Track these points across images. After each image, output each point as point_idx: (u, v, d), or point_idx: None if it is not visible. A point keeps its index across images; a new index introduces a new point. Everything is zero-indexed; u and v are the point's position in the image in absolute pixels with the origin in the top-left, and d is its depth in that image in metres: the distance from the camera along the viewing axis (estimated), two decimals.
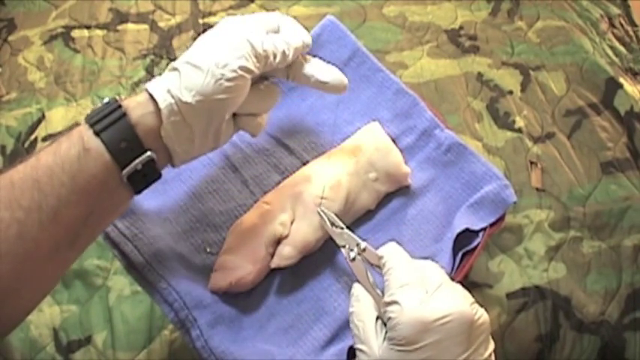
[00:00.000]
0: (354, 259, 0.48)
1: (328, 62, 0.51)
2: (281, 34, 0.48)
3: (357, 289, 0.47)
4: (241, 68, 0.43)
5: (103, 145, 0.40)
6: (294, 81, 0.50)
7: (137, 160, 0.41)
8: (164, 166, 0.45)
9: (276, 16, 0.49)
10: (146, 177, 0.43)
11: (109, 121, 0.41)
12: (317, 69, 0.50)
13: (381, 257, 0.46)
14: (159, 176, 0.44)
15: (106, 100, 0.42)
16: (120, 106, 0.41)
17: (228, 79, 0.42)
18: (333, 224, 0.51)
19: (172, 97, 0.42)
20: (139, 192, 0.44)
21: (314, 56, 0.51)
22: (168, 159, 0.45)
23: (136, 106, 0.42)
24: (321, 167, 0.55)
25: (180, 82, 0.42)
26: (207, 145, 0.46)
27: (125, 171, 0.41)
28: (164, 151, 0.43)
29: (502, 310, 0.64)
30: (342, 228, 0.50)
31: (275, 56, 0.46)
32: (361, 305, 0.45)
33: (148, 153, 0.42)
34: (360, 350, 0.43)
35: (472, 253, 0.54)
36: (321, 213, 0.51)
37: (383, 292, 0.45)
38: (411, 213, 0.57)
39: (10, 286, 0.39)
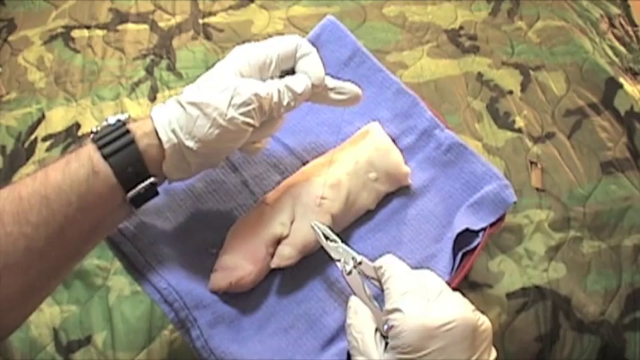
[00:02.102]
0: (350, 272, 0.48)
1: (328, 63, 0.51)
2: (293, 77, 0.48)
3: (354, 301, 0.47)
4: (244, 123, 0.44)
5: (111, 169, 0.42)
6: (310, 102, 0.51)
7: (142, 185, 0.44)
8: (161, 185, 0.47)
9: (295, 43, 0.48)
10: (146, 197, 0.45)
11: (118, 146, 0.43)
12: (333, 92, 0.50)
13: (379, 267, 0.46)
14: (156, 195, 0.46)
15: (112, 120, 0.44)
16: (128, 131, 0.43)
17: (231, 132, 0.44)
18: (327, 238, 0.50)
19: (176, 137, 0.44)
20: (137, 208, 0.46)
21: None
22: (165, 180, 0.47)
23: (142, 135, 0.44)
24: (321, 167, 0.55)
25: (185, 124, 0.44)
26: (202, 170, 0.49)
27: (130, 194, 0.43)
28: (162, 176, 0.46)
29: (502, 310, 0.64)
30: (336, 241, 0.50)
31: (280, 109, 0.47)
32: (359, 317, 0.45)
33: (152, 179, 0.44)
34: None
35: (472, 253, 0.54)
36: (315, 227, 0.50)
37: (380, 305, 0.45)
38: (411, 213, 0.57)
39: (16, 296, 0.41)
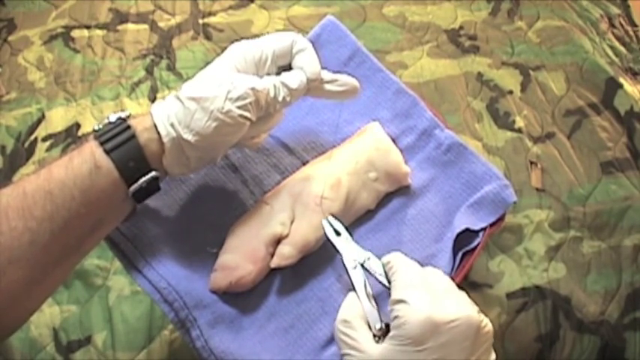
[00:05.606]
0: (354, 267, 0.48)
1: (328, 63, 0.51)
2: (288, 73, 0.48)
3: (349, 297, 0.47)
4: (241, 117, 0.45)
5: (113, 164, 0.43)
6: (308, 96, 0.51)
7: (143, 179, 0.45)
8: (162, 180, 0.48)
9: (291, 39, 0.48)
10: (148, 191, 0.46)
11: (119, 141, 0.43)
12: (329, 86, 0.50)
13: (387, 262, 0.47)
14: (158, 189, 0.47)
15: (113, 117, 0.45)
16: (129, 127, 0.44)
17: (228, 125, 0.45)
18: (338, 233, 0.51)
19: (175, 131, 0.44)
20: (140, 202, 0.47)
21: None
22: (166, 175, 0.48)
23: (143, 130, 0.45)
24: (321, 167, 0.55)
25: (183, 118, 0.44)
26: (203, 166, 0.49)
27: (132, 188, 0.44)
28: (163, 170, 0.47)
29: (502, 310, 0.64)
30: (347, 238, 0.50)
31: (275, 105, 0.47)
32: (351, 312, 0.46)
33: (153, 173, 0.45)
34: (348, 355, 0.44)
35: (472, 253, 0.54)
36: (326, 223, 0.51)
37: (380, 305, 0.46)
38: (411, 213, 0.57)
39: (21, 289, 0.41)
